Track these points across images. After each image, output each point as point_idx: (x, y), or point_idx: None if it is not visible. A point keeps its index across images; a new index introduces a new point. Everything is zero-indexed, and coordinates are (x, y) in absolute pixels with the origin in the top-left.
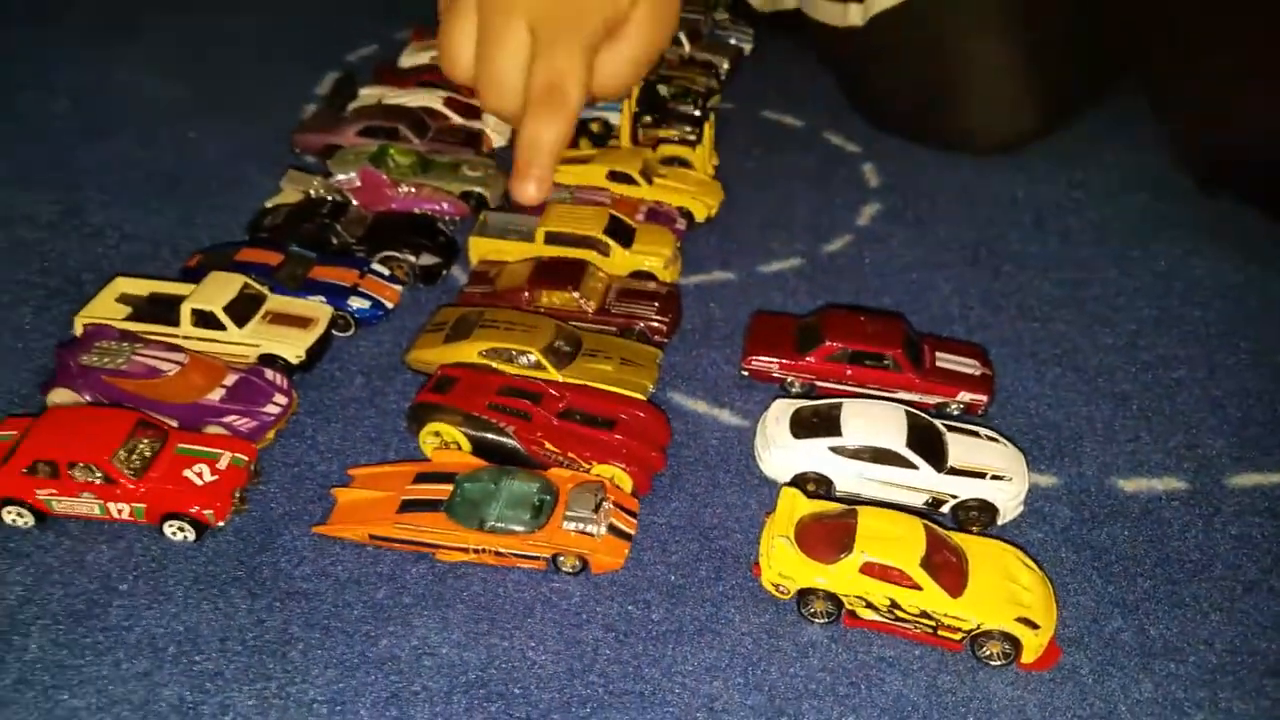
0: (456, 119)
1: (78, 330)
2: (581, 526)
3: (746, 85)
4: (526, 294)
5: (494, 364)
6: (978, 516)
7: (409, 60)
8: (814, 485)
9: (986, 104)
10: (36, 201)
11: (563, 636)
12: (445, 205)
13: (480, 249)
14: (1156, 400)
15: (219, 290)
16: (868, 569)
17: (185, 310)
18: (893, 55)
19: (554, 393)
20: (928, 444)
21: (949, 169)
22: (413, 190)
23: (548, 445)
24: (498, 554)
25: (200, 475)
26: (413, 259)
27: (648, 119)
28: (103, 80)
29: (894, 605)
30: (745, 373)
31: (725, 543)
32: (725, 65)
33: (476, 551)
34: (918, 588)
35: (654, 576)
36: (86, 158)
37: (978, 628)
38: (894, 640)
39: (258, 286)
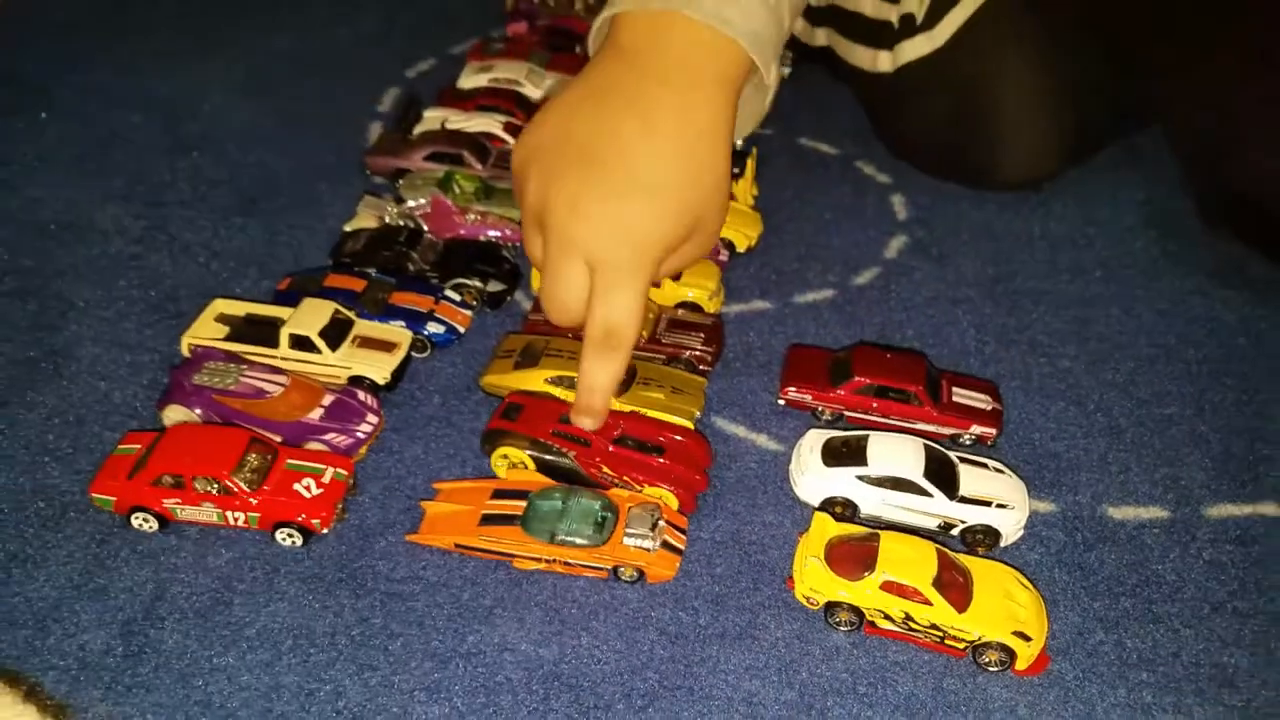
0: (511, 142)
1: (185, 350)
2: (639, 542)
3: (784, 110)
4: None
5: (558, 390)
6: (983, 539)
7: (468, 81)
8: (841, 508)
9: (1011, 147)
10: (126, 216)
11: (622, 637)
12: (508, 232)
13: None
14: (1147, 434)
15: (313, 316)
16: (887, 586)
17: (284, 335)
18: (921, 99)
19: (609, 421)
20: (942, 474)
21: (974, 204)
22: (479, 218)
23: (604, 469)
24: (566, 564)
25: (308, 488)
26: (481, 285)
27: None
28: (181, 97)
29: (908, 618)
30: (781, 402)
31: (762, 558)
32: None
33: (548, 561)
34: (929, 603)
35: (700, 587)
36: (170, 175)
37: (979, 639)
38: (907, 647)
39: (346, 312)
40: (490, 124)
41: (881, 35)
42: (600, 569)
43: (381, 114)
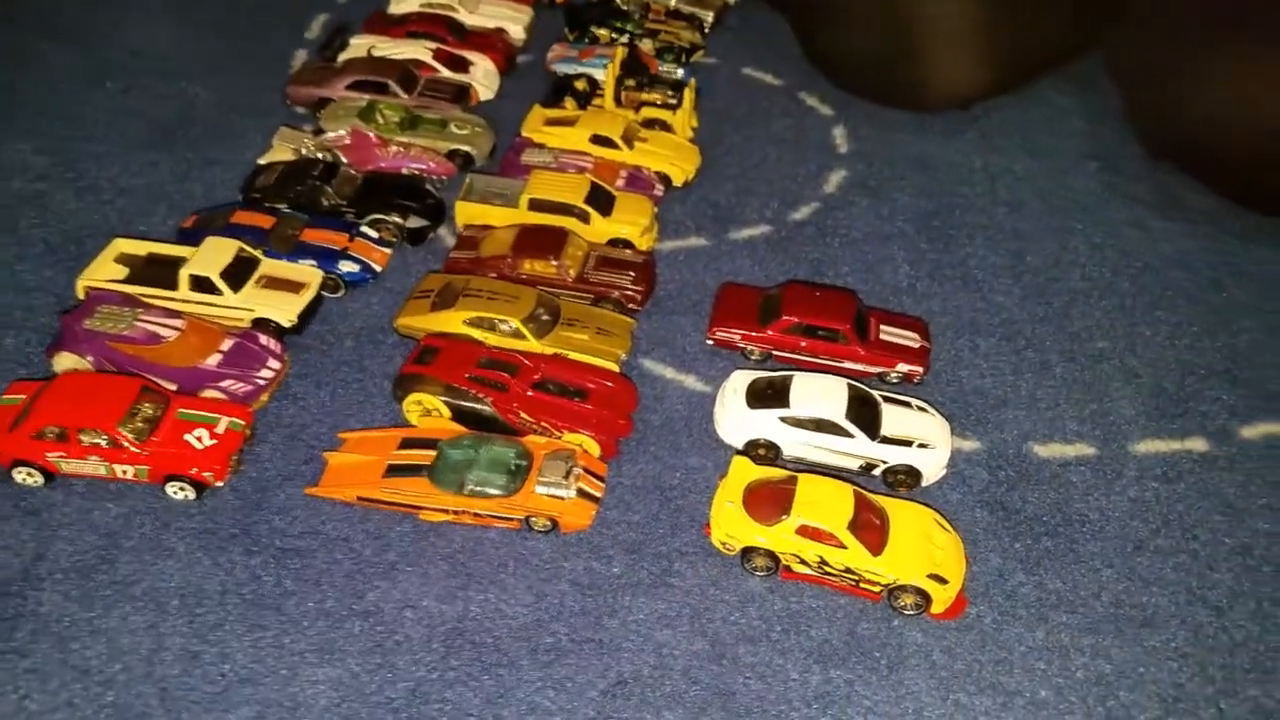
0: (445, 72)
1: (80, 293)
2: (553, 490)
3: (729, 39)
4: (510, 261)
5: (476, 332)
6: (904, 480)
7: (400, 6)
8: (764, 451)
9: (939, 64)
10: (31, 152)
11: (532, 590)
12: (432, 165)
13: (466, 213)
14: (1078, 370)
15: (215, 255)
16: (803, 530)
17: (183, 275)
18: (848, 14)
19: (529, 365)
20: (865, 414)
21: (915, 135)
22: (401, 150)
23: (523, 415)
24: (475, 515)
25: (200, 439)
26: (401, 221)
27: (630, 82)
28: (98, 23)
29: (823, 562)
30: (710, 342)
31: (683, 502)
32: (709, 17)
33: (456, 513)
34: (844, 547)
35: (616, 535)
36: (87, 108)
37: (894, 582)
38: (822, 591)
39: (252, 251)
40: (419, 51)
41: None
42: (512, 520)
43: (310, 43)
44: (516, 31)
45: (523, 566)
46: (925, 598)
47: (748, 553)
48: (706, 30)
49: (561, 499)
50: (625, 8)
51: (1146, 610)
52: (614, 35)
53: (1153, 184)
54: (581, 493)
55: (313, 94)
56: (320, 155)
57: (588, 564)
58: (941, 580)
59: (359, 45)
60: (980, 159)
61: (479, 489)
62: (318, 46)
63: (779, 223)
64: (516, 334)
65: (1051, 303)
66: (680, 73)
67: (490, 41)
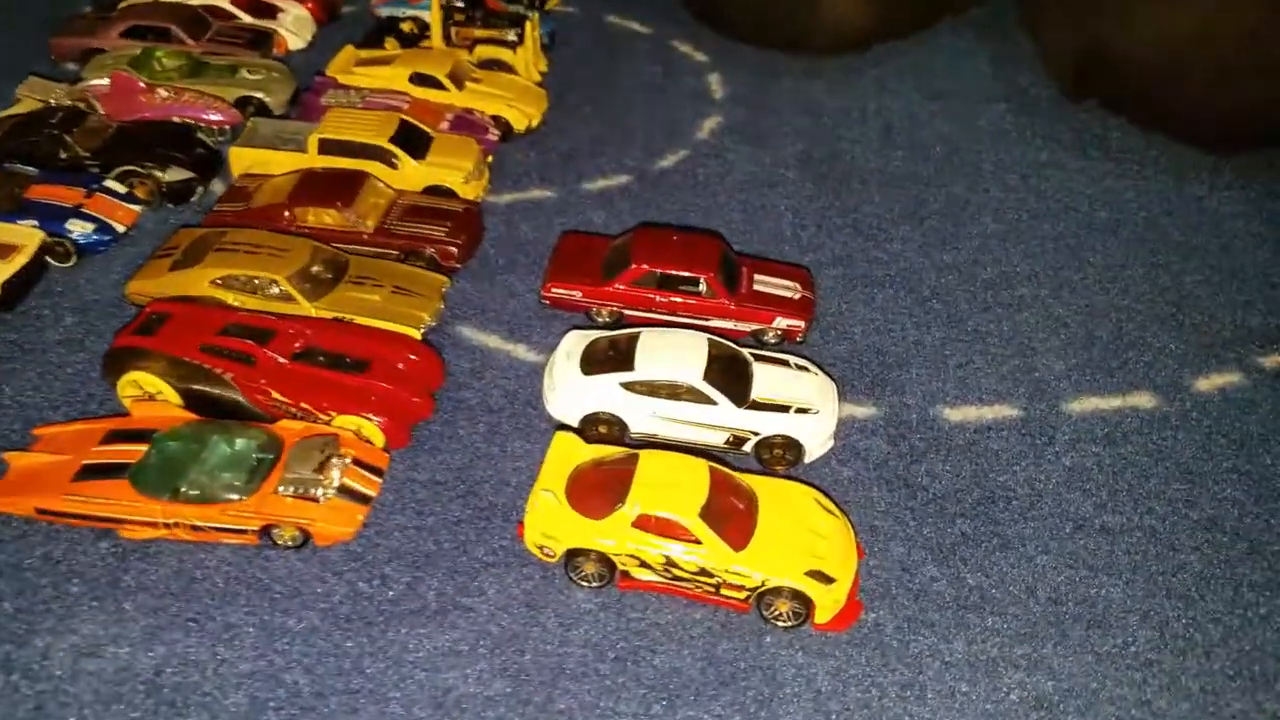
0: (245, 18)
1: None
2: (301, 490)
3: None
4: (287, 212)
5: (230, 295)
6: (783, 455)
7: None
8: (606, 427)
9: (828, 3)
10: None
11: (266, 626)
12: (214, 114)
13: (243, 160)
14: (995, 321)
15: None
16: (642, 523)
17: None
18: None
19: (291, 330)
20: (730, 376)
21: (800, 81)
22: (171, 95)
23: (275, 394)
24: (194, 528)
25: None
26: (158, 174)
27: (460, 16)
28: None
29: (669, 563)
30: (546, 302)
31: (496, 499)
32: None
33: (168, 526)
34: (696, 541)
35: (399, 545)
36: None
37: (763, 584)
38: (672, 603)
39: None
40: None
41: None
42: (246, 532)
43: None
44: None
45: (258, 595)
46: (805, 604)
47: (573, 557)
48: None
49: (315, 500)
50: None
51: (1096, 606)
52: None
53: (1070, 125)
54: (346, 492)
55: (80, 45)
56: (73, 104)
57: (352, 587)
58: (826, 579)
59: None
60: (874, 103)
61: (197, 492)
62: None
63: (641, 172)
64: (285, 296)
65: (960, 248)
66: (521, 6)
67: None
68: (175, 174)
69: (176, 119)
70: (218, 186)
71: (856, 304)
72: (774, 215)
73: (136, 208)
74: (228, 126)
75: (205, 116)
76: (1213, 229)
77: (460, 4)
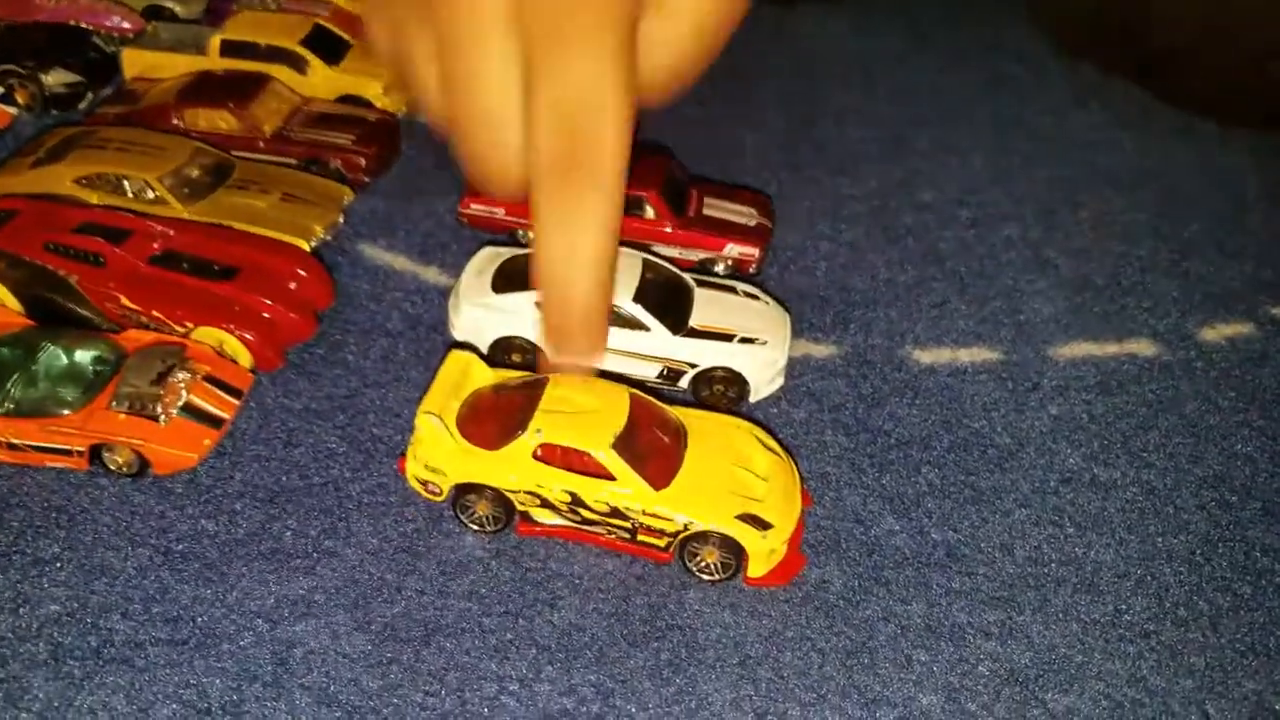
0: None
1: None
2: (137, 406)
3: None
4: (174, 114)
5: (94, 195)
6: (724, 392)
7: None
8: (520, 355)
9: None
10: None
11: (84, 564)
12: (116, 19)
13: (138, 64)
14: (975, 261)
15: None
16: (546, 454)
17: None
18: None
19: (152, 230)
20: (666, 300)
21: (777, 25)
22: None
23: (124, 301)
24: (10, 447)
25: None
26: (42, 76)
27: None
28: None
29: (576, 502)
30: (463, 221)
31: (381, 430)
32: None
33: None
34: (610, 477)
35: (257, 479)
36: None
37: (686, 528)
38: (584, 552)
39: None
40: None
41: None
42: (71, 453)
43: None
44: None
45: (79, 527)
46: (736, 553)
47: (463, 495)
48: None
49: (153, 419)
50: None
51: (1083, 569)
52: None
53: (1069, 79)
54: (193, 411)
55: None
56: None
57: (194, 524)
58: (762, 524)
59: None
60: (856, 44)
61: (16, 408)
62: None
63: None
64: (157, 199)
65: (942, 189)
66: None
67: None
68: (59, 77)
69: (73, 23)
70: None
71: (821, 239)
72: (738, 147)
73: (12, 110)
74: (131, 33)
75: (106, 22)
76: (1221, 185)
77: None
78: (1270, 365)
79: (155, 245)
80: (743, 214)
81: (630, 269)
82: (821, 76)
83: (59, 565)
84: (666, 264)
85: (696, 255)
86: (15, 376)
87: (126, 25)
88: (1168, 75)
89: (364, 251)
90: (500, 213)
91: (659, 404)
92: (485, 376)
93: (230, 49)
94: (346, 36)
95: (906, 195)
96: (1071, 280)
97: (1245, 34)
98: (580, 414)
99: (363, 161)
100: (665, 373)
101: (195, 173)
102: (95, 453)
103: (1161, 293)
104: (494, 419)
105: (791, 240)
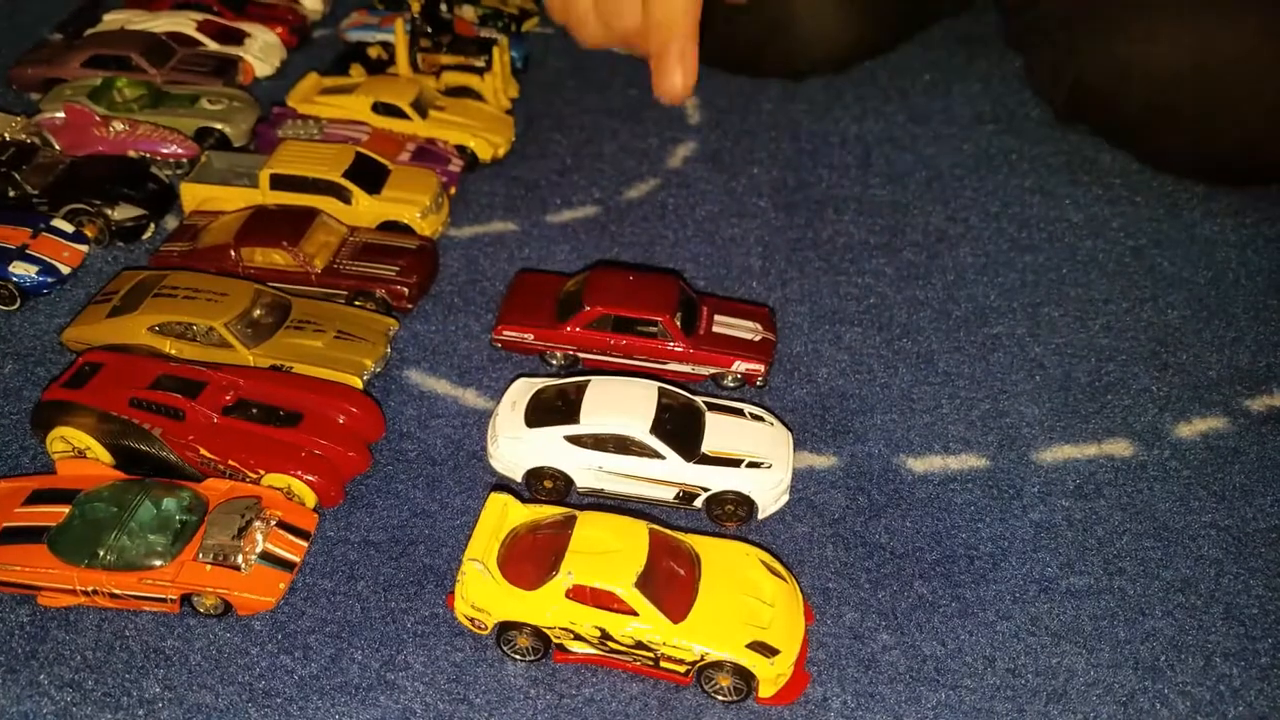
0: (211, 45)
1: None
2: (221, 558)
3: None
4: (233, 252)
5: (166, 343)
6: (734, 511)
7: None
8: (551, 482)
9: (805, 19)
10: None
11: (183, 702)
12: (172, 146)
13: (195, 196)
14: (966, 361)
15: None
16: (576, 593)
17: None
18: None
19: (223, 383)
20: (680, 428)
21: (779, 105)
22: (127, 129)
23: (204, 452)
24: (113, 596)
25: None
26: (107, 211)
27: (427, 42)
28: None
29: (605, 636)
30: (497, 345)
31: (431, 560)
32: None
33: (87, 593)
34: (633, 613)
35: (325, 613)
36: None
37: (703, 658)
38: (612, 676)
39: None
40: (181, 22)
41: None
42: (165, 601)
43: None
44: (311, 2)
45: (176, 668)
46: (747, 678)
47: (505, 630)
48: None
49: (236, 569)
50: None
51: (1056, 678)
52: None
53: (1060, 147)
54: (269, 558)
55: (41, 74)
56: (26, 139)
57: (273, 660)
58: (769, 651)
59: (113, 21)
60: (855, 127)
61: (115, 558)
62: (59, 22)
63: (608, 203)
64: (221, 343)
65: (934, 283)
66: (498, 36)
67: (277, 13)
68: (125, 211)
69: (132, 153)
70: (171, 222)
71: (823, 343)
72: (743, 248)
73: (84, 247)
74: (185, 159)
75: (162, 150)
76: (1203, 259)
77: (428, 30)
78: (1240, 462)
79: (227, 397)
80: (748, 329)
81: (647, 400)
82: (823, 164)
83: (161, 705)
84: (680, 391)
85: (708, 370)
86: (112, 532)
87: (181, 152)
88: (1154, 138)
89: (409, 378)
90: (530, 338)
91: (675, 536)
92: (521, 515)
93: (279, 182)
94: (385, 162)
95: (900, 293)
96: (1056, 379)
97: (1229, 94)
98: (605, 554)
99: (405, 291)
100: (680, 495)
101: (258, 315)
102: (185, 598)
103: (1141, 388)
104: (531, 560)
105: (795, 348)
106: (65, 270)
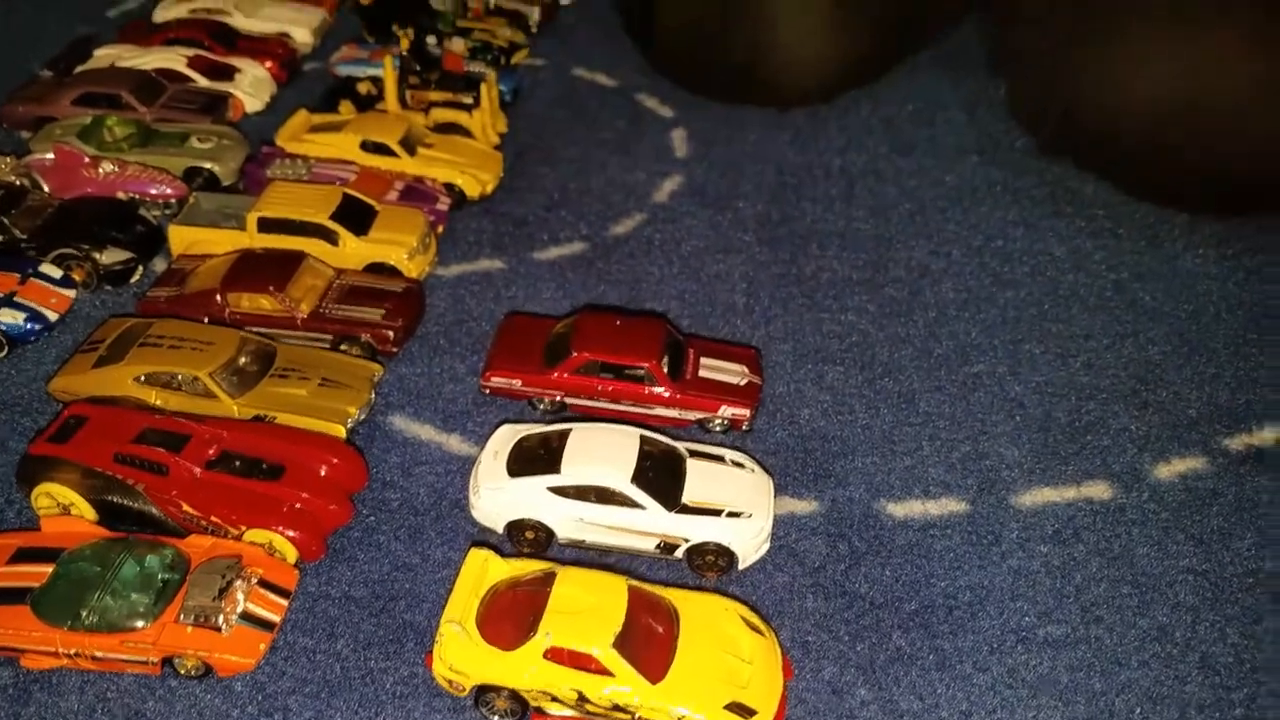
0: (202, 81)
1: None
2: (202, 618)
3: (563, 36)
4: (219, 298)
5: (152, 393)
6: (715, 562)
7: (165, 13)
8: (534, 533)
9: (790, 49)
10: None
11: None
12: (161, 187)
13: (183, 239)
14: (947, 401)
15: None
16: (554, 654)
17: None
18: (688, 8)
19: (206, 436)
20: (662, 477)
21: (765, 136)
22: (116, 170)
23: (186, 507)
24: (94, 658)
25: None
26: (95, 256)
27: (415, 79)
28: None
29: (582, 699)
30: (485, 391)
31: (411, 616)
32: (535, 14)
33: (70, 656)
34: (609, 674)
35: (305, 673)
36: None
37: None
38: None
39: None
40: (172, 59)
41: None
42: (146, 663)
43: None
44: (302, 36)
45: None
46: None
47: (484, 692)
48: (533, 28)
49: (215, 630)
50: (437, 6)
51: None
52: (418, 36)
53: (1044, 178)
54: (249, 618)
55: (32, 112)
56: (16, 180)
57: None
58: (747, 712)
59: (104, 56)
60: (839, 159)
61: (96, 619)
62: (50, 59)
63: (595, 239)
64: (206, 393)
65: (916, 320)
66: (486, 72)
67: (268, 47)
68: (113, 255)
69: (121, 194)
70: (160, 264)
71: (806, 382)
72: (728, 284)
73: (71, 293)
74: (174, 200)
75: (150, 191)
76: (1184, 293)
77: (417, 66)
78: (1218, 503)
79: (211, 451)
80: (734, 372)
81: (628, 448)
82: (807, 197)
83: None
84: (662, 438)
85: (694, 415)
86: (96, 592)
87: (170, 192)
88: (1138, 169)
89: (393, 424)
90: (518, 384)
91: (654, 592)
92: (502, 570)
93: (267, 225)
94: (373, 203)
95: (882, 330)
96: (1037, 419)
97: (1217, 130)
98: (584, 613)
99: (391, 334)
100: (661, 546)
101: (242, 362)
102: (167, 659)
103: (1120, 427)
104: (509, 619)
105: (778, 388)
106: (53, 317)
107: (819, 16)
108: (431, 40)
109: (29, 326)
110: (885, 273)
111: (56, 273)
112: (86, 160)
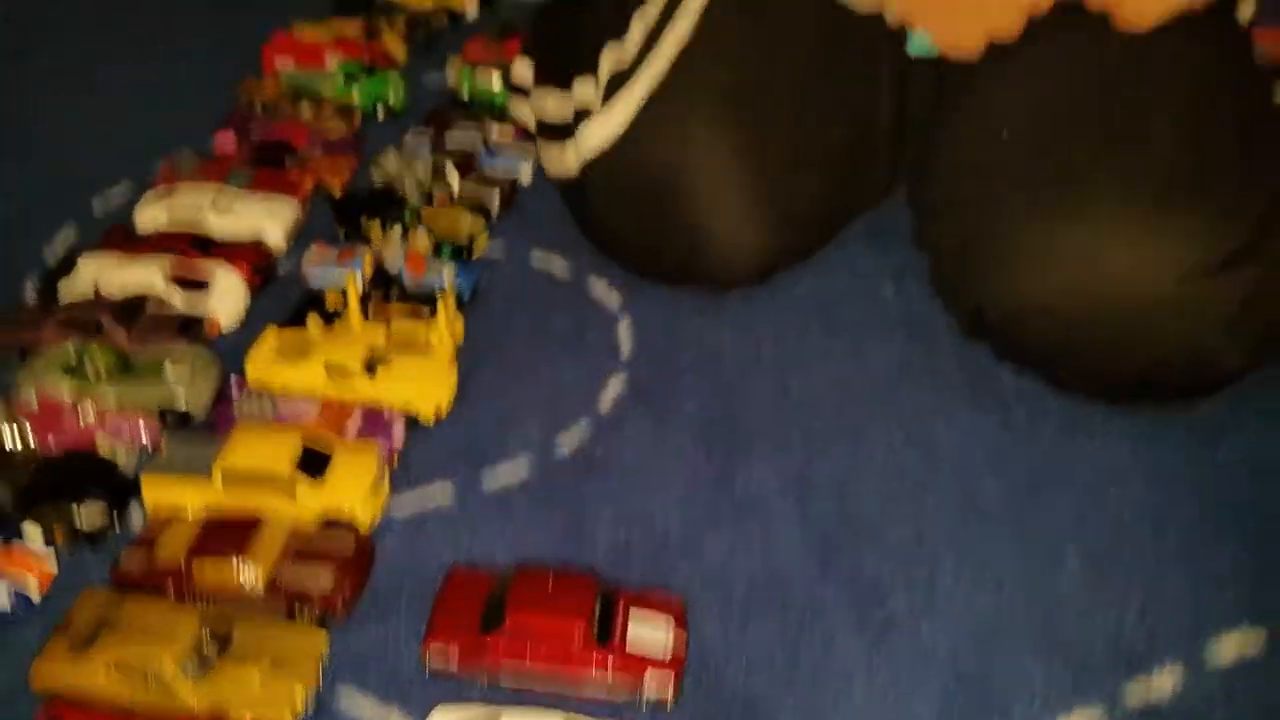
0: (177, 299)
1: None
2: None
3: (522, 220)
4: (183, 570)
5: (127, 687)
6: None
7: (145, 214)
8: None
9: (712, 236)
10: None
11: None
12: (137, 433)
13: (154, 490)
14: (865, 647)
15: None
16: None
17: None
18: (615, 193)
19: None
20: None
21: (707, 320)
22: (95, 416)
23: None
24: None
25: None
26: (74, 516)
27: (377, 292)
28: None
29: None
30: (424, 668)
31: None
32: (495, 201)
33: None
34: None
35: None
36: None
37: None
38: None
39: None
40: (151, 273)
41: (564, 129)
42: None
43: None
44: (275, 237)
45: None
46: None
47: None
48: (494, 218)
49: None
50: (403, 196)
51: None
52: (385, 229)
53: (963, 360)
54: None
55: (14, 339)
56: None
57: None
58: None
59: (85, 266)
60: (771, 345)
61: None
62: (39, 284)
63: (542, 457)
64: (167, 689)
65: (842, 546)
66: (449, 275)
67: (241, 252)
68: (91, 512)
69: (99, 439)
70: (136, 513)
71: (733, 630)
72: (664, 508)
73: (52, 565)
74: (150, 447)
75: (128, 435)
76: (1096, 496)
77: (378, 282)
78: None
79: None
80: (659, 629)
81: None
82: (739, 392)
83: None
84: None
85: (620, 680)
86: None
87: (145, 439)
88: (1052, 369)
89: (337, 702)
90: (454, 659)
91: None
92: None
93: (230, 478)
94: (329, 448)
95: (810, 558)
96: (949, 670)
97: (1132, 334)
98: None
99: (340, 602)
100: None
101: (205, 646)
102: None
103: (1026, 674)
104: None
105: (701, 643)
106: (36, 598)
107: (755, 211)
108: (422, 239)
109: (11, 610)
110: (808, 480)
111: (39, 538)
112: (68, 408)
